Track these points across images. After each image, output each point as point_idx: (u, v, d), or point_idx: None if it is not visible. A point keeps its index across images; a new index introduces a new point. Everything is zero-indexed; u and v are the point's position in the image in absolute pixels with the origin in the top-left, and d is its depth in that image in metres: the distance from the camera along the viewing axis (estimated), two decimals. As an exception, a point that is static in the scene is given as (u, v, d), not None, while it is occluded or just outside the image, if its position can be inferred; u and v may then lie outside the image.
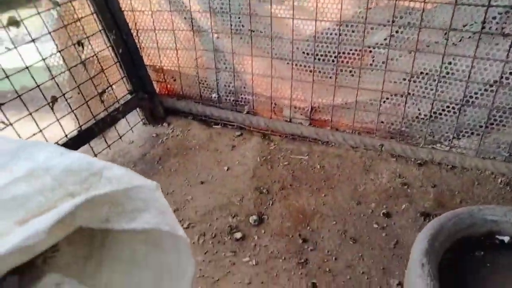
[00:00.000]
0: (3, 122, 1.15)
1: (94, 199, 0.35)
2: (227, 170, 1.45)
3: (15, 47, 1.21)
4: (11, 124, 1.19)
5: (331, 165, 1.43)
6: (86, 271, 0.35)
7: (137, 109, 1.72)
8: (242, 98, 1.66)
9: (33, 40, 1.27)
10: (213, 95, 1.71)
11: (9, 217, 0.39)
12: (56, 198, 0.40)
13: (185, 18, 1.57)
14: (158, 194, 0.41)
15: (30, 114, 1.25)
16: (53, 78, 1.35)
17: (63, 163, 0.43)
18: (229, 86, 1.66)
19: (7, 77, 1.18)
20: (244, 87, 1.63)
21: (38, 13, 1.31)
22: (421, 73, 1.30)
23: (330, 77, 1.44)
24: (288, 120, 1.58)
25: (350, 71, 1.40)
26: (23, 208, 0.39)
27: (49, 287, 0.31)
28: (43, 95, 1.31)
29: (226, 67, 1.61)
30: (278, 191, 1.34)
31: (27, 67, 1.24)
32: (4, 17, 1.22)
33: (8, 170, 0.43)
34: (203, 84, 1.70)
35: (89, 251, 0.46)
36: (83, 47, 1.47)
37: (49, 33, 1.33)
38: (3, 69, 1.18)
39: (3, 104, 1.17)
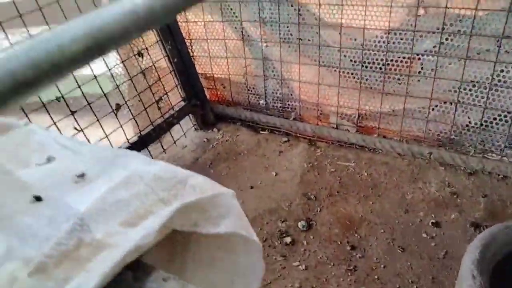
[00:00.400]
0: (76, 128, 1.27)
1: (187, 205, 0.41)
2: (275, 175, 1.51)
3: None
4: (82, 130, 1.31)
5: (378, 172, 1.44)
6: (171, 273, 0.41)
7: (190, 115, 1.81)
8: (289, 104, 1.71)
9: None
10: (261, 102, 1.77)
11: (114, 219, 0.46)
12: (150, 203, 0.47)
13: (235, 28, 1.65)
14: (235, 201, 0.47)
15: (98, 120, 1.37)
16: (117, 87, 1.47)
17: (152, 171, 0.51)
18: (276, 93, 1.71)
19: (79, 87, 1.31)
20: (291, 94, 1.69)
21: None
22: (472, 81, 1.29)
23: (378, 85, 1.46)
24: (335, 126, 1.61)
25: (398, 79, 1.42)
26: (124, 211, 0.47)
27: (158, 281, 0.37)
28: (109, 102, 1.43)
29: (274, 75, 1.67)
30: (325, 198, 1.37)
31: (95, 77, 1.36)
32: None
33: (108, 177, 0.51)
34: (251, 91, 1.77)
35: (171, 255, 0.52)
36: (142, 57, 1.59)
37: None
38: (75, 78, 1.30)
39: (75, 112, 1.29)
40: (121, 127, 1.45)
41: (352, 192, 1.38)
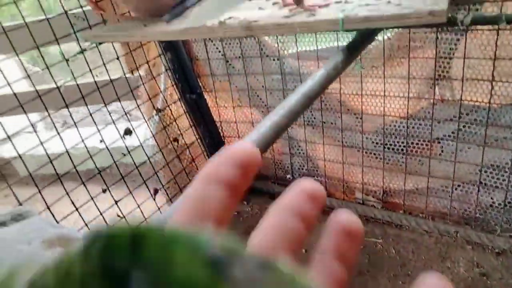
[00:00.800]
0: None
1: None
2: (305, 251, 1.56)
3: (129, 152, 1.47)
4: (116, 203, 1.42)
5: (406, 250, 1.49)
6: None
7: (220, 190, 1.91)
8: (315, 179, 1.78)
9: (141, 145, 1.53)
10: (288, 176, 1.86)
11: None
12: None
13: (262, 111, 1.78)
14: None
15: (130, 192, 1.49)
16: (156, 173, 1.59)
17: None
18: (302, 168, 1.81)
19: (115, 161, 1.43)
20: (317, 170, 1.77)
21: (146, 121, 1.58)
22: (492, 165, 1.35)
23: (400, 165, 1.53)
24: (361, 202, 1.68)
25: (419, 160, 1.49)
26: None
27: None
28: (147, 187, 1.55)
29: (299, 153, 1.77)
30: (356, 277, 1.42)
31: (136, 168, 1.49)
32: (120, 126, 1.49)
33: None
34: (278, 166, 1.87)
35: None
36: (178, 142, 1.72)
37: (153, 136, 1.60)
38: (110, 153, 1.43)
39: (108, 188, 1.41)
40: (159, 209, 1.56)
41: (381, 271, 1.42)
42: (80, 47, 1.28)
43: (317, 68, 1.49)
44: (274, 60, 1.62)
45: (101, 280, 0.14)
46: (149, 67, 1.60)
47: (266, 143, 0.67)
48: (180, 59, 1.68)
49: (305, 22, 0.91)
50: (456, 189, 1.46)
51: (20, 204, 1.23)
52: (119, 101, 1.45)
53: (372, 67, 1.45)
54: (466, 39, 1.20)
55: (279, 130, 0.69)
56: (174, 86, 1.72)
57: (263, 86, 1.69)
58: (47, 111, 1.27)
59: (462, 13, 0.89)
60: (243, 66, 1.69)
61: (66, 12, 1.28)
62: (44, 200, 1.26)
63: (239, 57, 1.67)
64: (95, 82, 1.36)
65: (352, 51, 0.91)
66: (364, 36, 0.96)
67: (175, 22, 1.15)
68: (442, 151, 1.44)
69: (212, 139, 1.84)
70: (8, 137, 1.18)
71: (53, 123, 1.31)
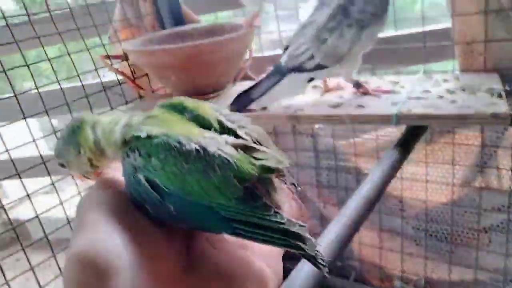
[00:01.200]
0: None
1: None
2: None
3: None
4: None
5: None
6: None
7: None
8: (349, 264, 1.67)
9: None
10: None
11: None
12: None
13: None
14: None
15: None
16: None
17: None
18: (334, 250, 1.70)
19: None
20: (351, 253, 1.66)
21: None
22: (550, 261, 1.23)
23: (444, 254, 1.42)
24: (399, 291, 1.54)
25: (466, 250, 1.38)
26: None
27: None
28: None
29: (331, 233, 1.68)
30: None
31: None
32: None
33: None
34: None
35: None
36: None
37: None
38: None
39: None
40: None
41: None
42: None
43: (352, 146, 1.45)
44: (307, 137, 1.59)
45: None
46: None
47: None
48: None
49: (356, 116, 0.88)
50: (508, 284, 1.33)
51: (32, 269, 1.15)
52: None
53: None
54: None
55: (343, 242, 0.63)
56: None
57: (295, 162, 1.64)
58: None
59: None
60: (274, 141, 1.66)
61: (104, 88, 1.29)
62: (58, 266, 1.17)
63: (270, 132, 1.65)
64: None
65: (406, 147, 0.87)
66: (415, 129, 0.92)
67: (219, 103, 1.14)
68: (489, 241, 1.33)
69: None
70: (29, 196, 1.13)
71: (76, 184, 1.26)
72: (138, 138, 0.30)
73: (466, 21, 1.06)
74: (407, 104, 0.88)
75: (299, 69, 0.88)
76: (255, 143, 0.31)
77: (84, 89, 1.22)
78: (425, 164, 1.36)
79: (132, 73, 1.36)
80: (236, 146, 0.30)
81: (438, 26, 1.24)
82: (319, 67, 0.88)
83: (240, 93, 0.93)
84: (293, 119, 0.95)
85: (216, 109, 0.33)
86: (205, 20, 1.60)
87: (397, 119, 0.83)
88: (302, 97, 1.04)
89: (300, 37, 0.91)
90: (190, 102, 0.33)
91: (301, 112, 0.95)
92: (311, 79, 0.90)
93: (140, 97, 1.42)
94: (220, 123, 0.32)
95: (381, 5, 0.88)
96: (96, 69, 1.28)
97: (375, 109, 0.88)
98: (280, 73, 0.89)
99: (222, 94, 1.25)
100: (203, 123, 0.32)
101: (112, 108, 1.27)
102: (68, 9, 1.19)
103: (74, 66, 1.20)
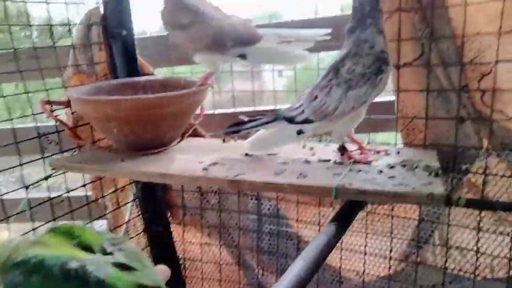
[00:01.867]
0: None
1: None
2: None
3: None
4: None
5: None
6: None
7: None
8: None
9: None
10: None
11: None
12: None
13: (232, 251, 1.64)
14: None
15: None
16: None
17: None
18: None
19: None
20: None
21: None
22: None
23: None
24: None
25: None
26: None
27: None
28: None
29: (269, 303, 1.60)
30: None
31: None
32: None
33: None
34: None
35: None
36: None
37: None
38: None
39: None
40: None
41: None
42: (45, 175, 1.17)
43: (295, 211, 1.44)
44: (252, 199, 1.56)
45: None
46: (116, 192, 1.50)
47: None
48: (152, 188, 1.58)
49: (296, 185, 0.87)
50: None
51: None
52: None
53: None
54: (450, 210, 1.20)
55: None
56: (141, 215, 1.59)
57: (236, 224, 1.59)
58: None
59: (457, 194, 0.88)
60: (217, 201, 1.61)
61: (39, 135, 1.20)
62: None
63: (215, 192, 1.60)
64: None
65: (343, 221, 0.86)
66: (354, 202, 0.92)
67: (163, 159, 1.11)
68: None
69: (174, 279, 1.65)
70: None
71: None
72: (21, 259, 0.35)
73: (409, 98, 1.12)
74: (348, 176, 0.89)
75: (291, 120, 0.98)
76: (133, 263, 0.38)
77: (14, 133, 1.13)
78: (365, 234, 1.36)
79: (75, 121, 1.29)
80: (116, 266, 0.36)
81: (384, 99, 1.28)
82: (307, 121, 0.96)
83: (235, 122, 1.05)
84: (232, 183, 0.92)
85: (101, 233, 0.41)
86: (163, 73, 1.58)
87: (337, 192, 0.83)
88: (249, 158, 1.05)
89: (303, 95, 1.01)
90: (76, 229, 0.40)
91: (242, 177, 0.92)
92: (300, 131, 0.99)
93: (79, 147, 1.33)
94: (102, 247, 0.39)
95: (373, 66, 0.90)
96: (33, 114, 1.20)
97: (316, 180, 0.87)
98: (276, 117, 1.00)
99: (168, 150, 1.21)
100: (88, 247, 0.38)
101: (43, 158, 1.18)
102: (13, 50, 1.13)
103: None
